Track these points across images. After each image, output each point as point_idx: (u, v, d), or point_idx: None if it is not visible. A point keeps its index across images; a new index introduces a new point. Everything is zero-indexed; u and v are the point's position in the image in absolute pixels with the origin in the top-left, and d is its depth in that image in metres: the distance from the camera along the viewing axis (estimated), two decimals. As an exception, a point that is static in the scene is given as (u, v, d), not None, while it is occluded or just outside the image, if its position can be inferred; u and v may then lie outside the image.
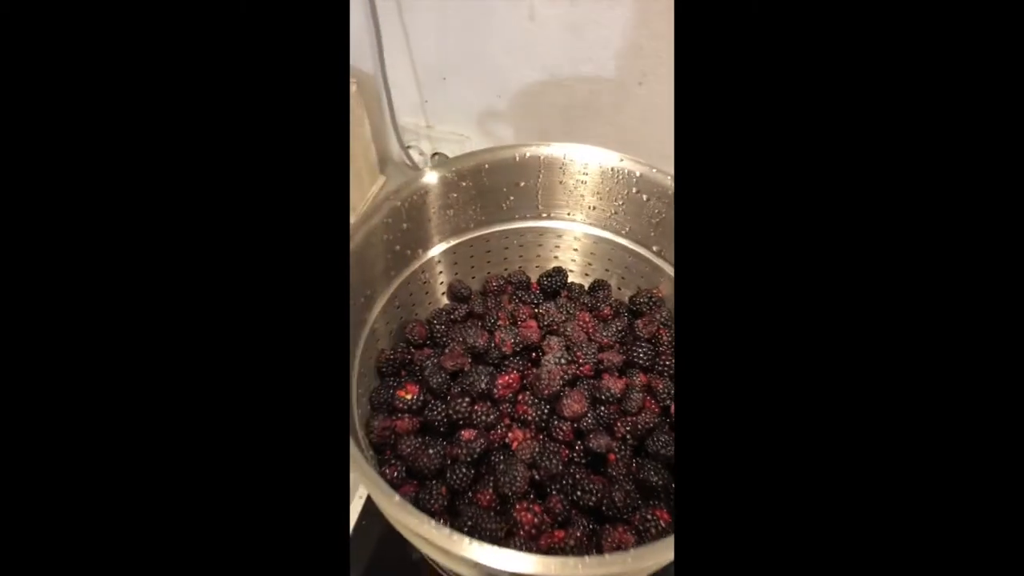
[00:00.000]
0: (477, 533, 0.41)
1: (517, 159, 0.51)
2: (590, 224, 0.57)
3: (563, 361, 0.49)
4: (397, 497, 0.34)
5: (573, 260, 0.60)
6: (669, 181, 0.49)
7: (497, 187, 0.53)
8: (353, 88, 0.80)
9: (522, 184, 0.53)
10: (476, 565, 0.33)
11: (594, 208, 0.55)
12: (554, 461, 0.45)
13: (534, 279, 0.61)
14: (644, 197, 0.51)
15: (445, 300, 0.60)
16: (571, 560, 0.31)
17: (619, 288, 0.60)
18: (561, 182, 0.53)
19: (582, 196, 0.54)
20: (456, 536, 0.33)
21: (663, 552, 0.33)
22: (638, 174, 0.50)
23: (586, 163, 0.51)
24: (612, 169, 0.51)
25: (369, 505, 0.62)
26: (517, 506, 0.43)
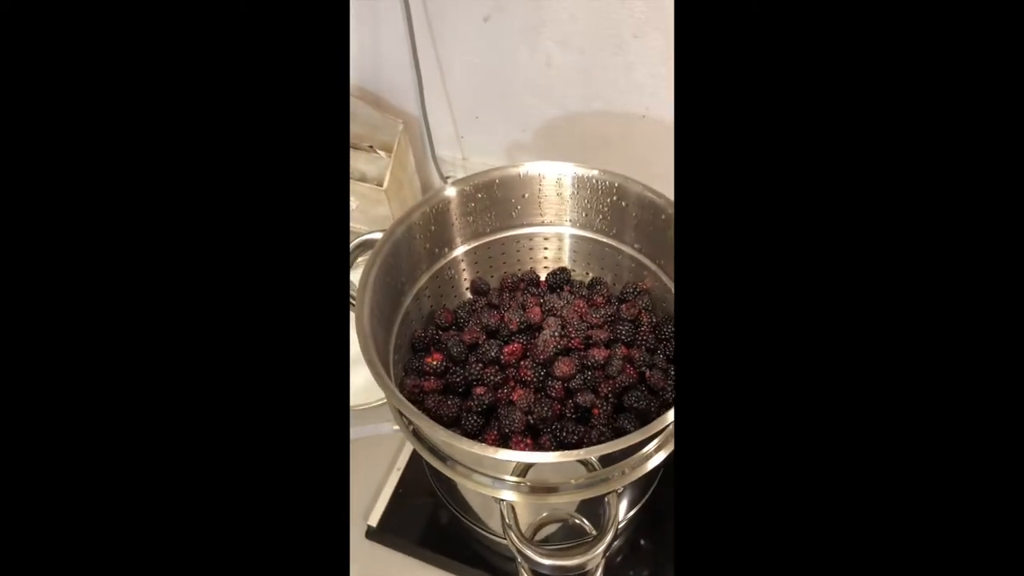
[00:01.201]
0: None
1: (520, 175, 0.64)
2: (583, 228, 0.69)
3: (557, 334, 0.61)
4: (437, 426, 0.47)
5: (574, 260, 0.73)
6: (640, 189, 0.61)
7: (507, 198, 0.66)
8: (400, 127, 0.95)
9: (525, 195, 0.66)
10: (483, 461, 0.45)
11: (586, 214, 0.67)
12: (546, 409, 0.56)
13: (543, 278, 0.73)
14: (623, 204, 0.63)
15: (469, 295, 0.73)
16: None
17: (614, 284, 0.71)
18: (558, 194, 0.66)
19: (575, 204, 0.67)
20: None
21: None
22: (616, 185, 0.62)
23: (574, 177, 0.64)
24: (595, 180, 0.63)
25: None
26: (513, 440, 0.54)
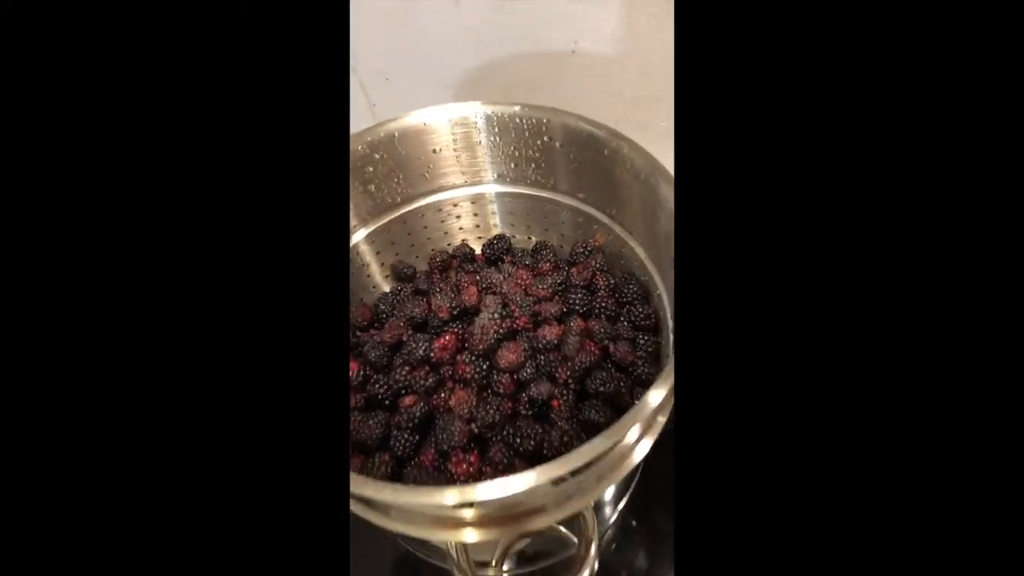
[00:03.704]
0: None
1: (425, 124, 0.52)
2: (514, 184, 0.57)
3: (497, 316, 0.49)
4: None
5: (511, 225, 0.60)
6: (574, 121, 0.49)
7: (413, 156, 0.53)
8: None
9: (437, 150, 0.53)
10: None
11: (515, 164, 0.55)
12: (490, 412, 0.45)
13: (478, 250, 0.61)
14: (557, 144, 0.51)
15: (389, 284, 0.60)
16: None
17: (561, 246, 0.59)
18: (479, 142, 0.54)
19: (499, 154, 0.54)
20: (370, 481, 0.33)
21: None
22: (545, 120, 0.50)
23: (488, 116, 0.51)
24: (519, 120, 0.51)
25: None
26: (453, 459, 0.42)
